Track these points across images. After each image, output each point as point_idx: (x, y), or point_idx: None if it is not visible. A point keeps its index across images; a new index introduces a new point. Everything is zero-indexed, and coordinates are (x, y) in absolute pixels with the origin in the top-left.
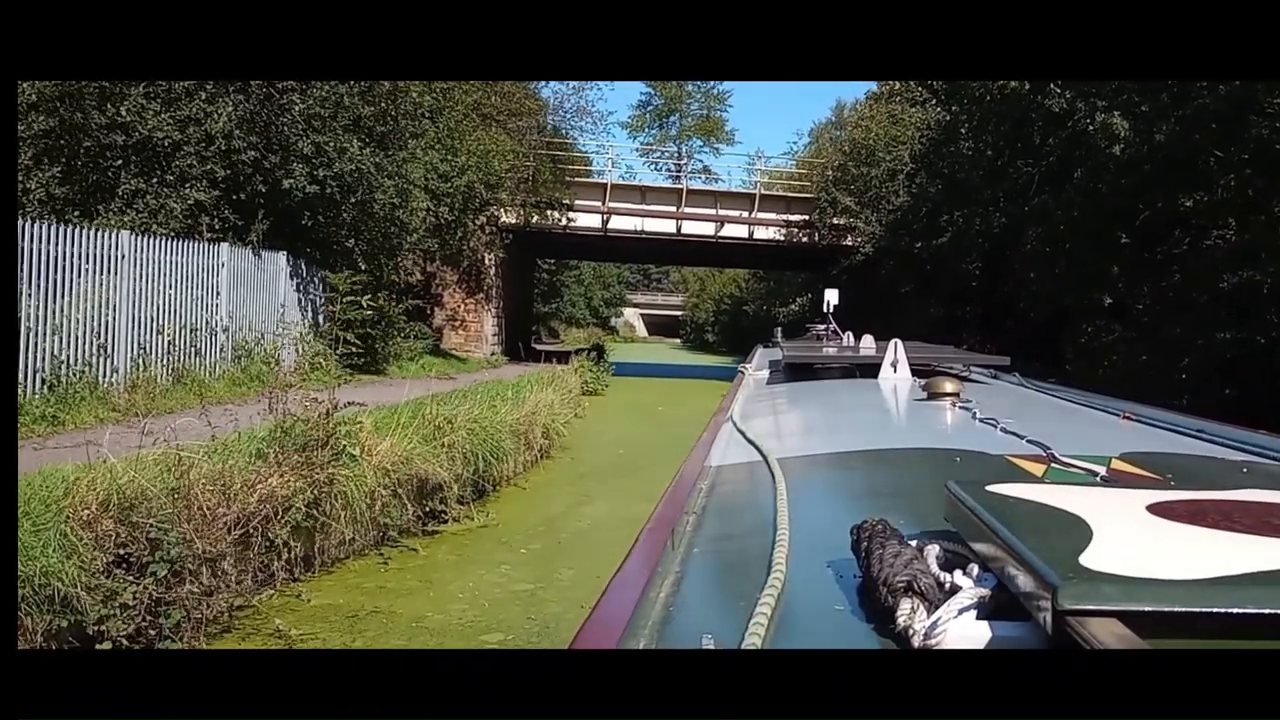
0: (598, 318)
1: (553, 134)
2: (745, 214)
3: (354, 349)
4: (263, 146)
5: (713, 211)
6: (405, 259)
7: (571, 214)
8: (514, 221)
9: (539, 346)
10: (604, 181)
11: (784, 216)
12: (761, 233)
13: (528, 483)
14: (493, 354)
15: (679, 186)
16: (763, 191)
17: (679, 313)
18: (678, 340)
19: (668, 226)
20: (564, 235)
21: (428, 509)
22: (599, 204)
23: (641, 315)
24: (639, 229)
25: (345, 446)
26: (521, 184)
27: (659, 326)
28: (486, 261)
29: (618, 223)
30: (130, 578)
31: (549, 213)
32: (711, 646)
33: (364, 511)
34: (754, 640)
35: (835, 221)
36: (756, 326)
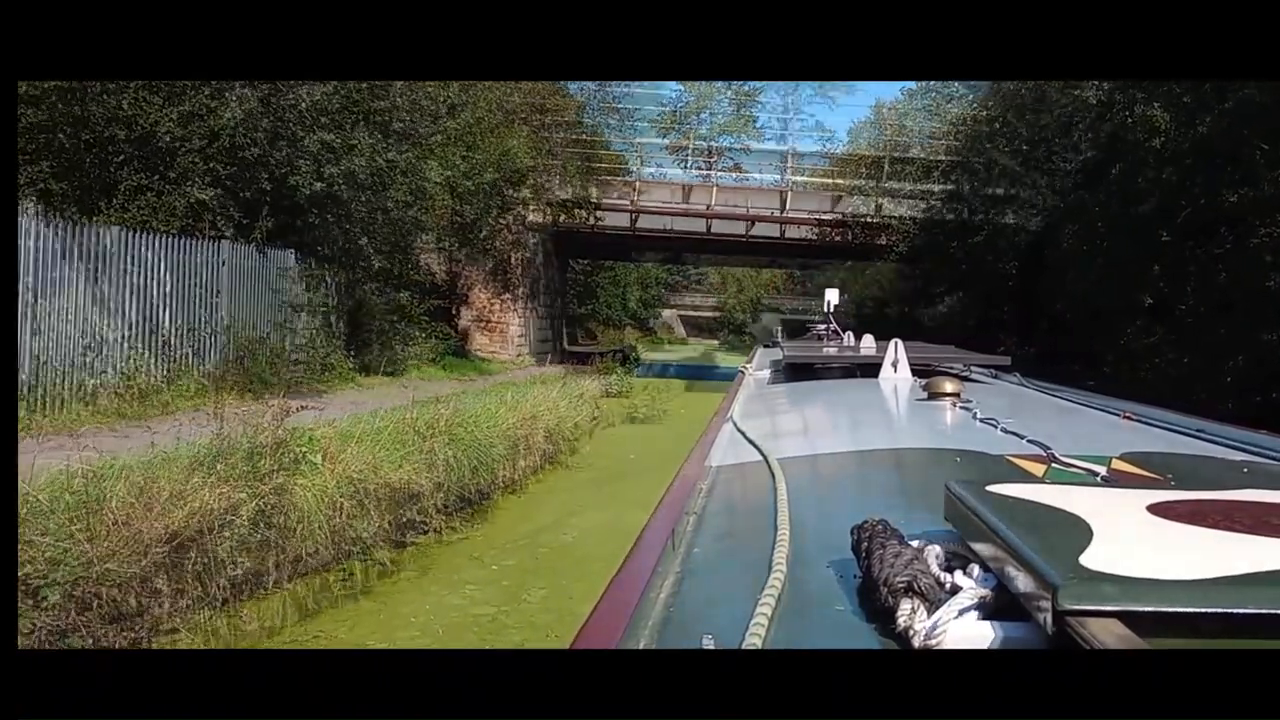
0: (636, 319)
1: (580, 130)
2: (776, 211)
3: (311, 347)
4: (267, 142)
5: (743, 209)
6: (429, 257)
7: (599, 213)
8: (541, 220)
9: (573, 348)
10: (632, 180)
11: (816, 215)
12: (793, 231)
13: (524, 490)
14: (520, 356)
15: (709, 184)
16: (794, 189)
17: (717, 313)
18: (715, 341)
19: (697, 225)
20: (592, 234)
21: (404, 520)
22: (627, 203)
23: (680, 316)
24: (668, 228)
25: (304, 454)
26: (548, 182)
27: (698, 327)
28: (513, 261)
29: (646, 222)
30: (29, 602)
31: (576, 211)
32: (711, 646)
33: (324, 524)
34: (754, 640)
35: (869, 220)
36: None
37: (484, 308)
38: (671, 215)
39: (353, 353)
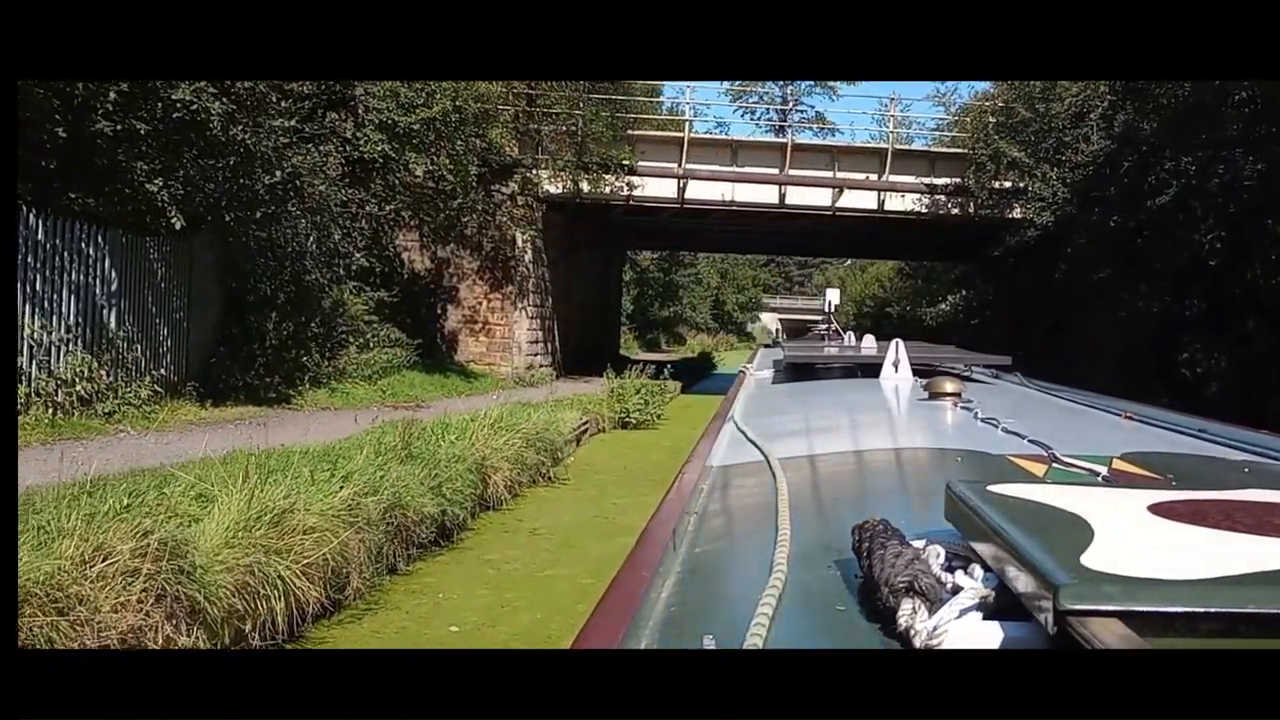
0: (732, 323)
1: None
2: (874, 176)
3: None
4: (221, 127)
5: (829, 174)
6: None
7: (637, 179)
8: (558, 191)
9: (638, 357)
10: (680, 135)
11: (926, 180)
12: (895, 202)
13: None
14: (530, 367)
15: (783, 141)
16: (897, 146)
17: (819, 317)
18: None
19: (767, 195)
20: (626, 207)
21: None
22: (674, 165)
23: (780, 320)
24: (727, 198)
25: None
26: (567, 139)
27: (797, 332)
28: (519, 244)
29: (698, 190)
30: None
31: (604, 178)
32: (712, 646)
33: None
34: (755, 640)
35: (997, 185)
36: (900, 330)
37: (477, 305)
38: (733, 181)
39: (327, 356)
